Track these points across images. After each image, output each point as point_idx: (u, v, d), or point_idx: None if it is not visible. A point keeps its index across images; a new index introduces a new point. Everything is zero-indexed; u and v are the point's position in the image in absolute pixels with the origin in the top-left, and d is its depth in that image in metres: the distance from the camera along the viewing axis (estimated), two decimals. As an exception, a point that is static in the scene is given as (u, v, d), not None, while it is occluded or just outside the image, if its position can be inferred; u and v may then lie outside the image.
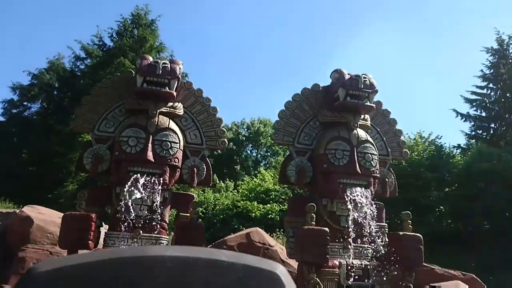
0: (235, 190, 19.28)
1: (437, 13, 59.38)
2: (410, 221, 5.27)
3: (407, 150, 6.33)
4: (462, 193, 15.85)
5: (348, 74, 5.73)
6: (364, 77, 5.63)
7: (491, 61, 25.53)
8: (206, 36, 58.84)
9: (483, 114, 24.52)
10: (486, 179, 15.41)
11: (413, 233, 5.19)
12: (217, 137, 5.76)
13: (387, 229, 5.64)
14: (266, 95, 59.10)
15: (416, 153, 17.41)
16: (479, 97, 24.90)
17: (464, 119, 24.72)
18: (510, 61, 25.17)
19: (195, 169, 5.47)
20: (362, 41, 58.96)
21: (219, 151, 29.85)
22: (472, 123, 24.53)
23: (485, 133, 24.04)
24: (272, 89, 58.38)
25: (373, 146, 5.65)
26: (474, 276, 5.82)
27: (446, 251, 13.61)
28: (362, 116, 5.79)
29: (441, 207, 16.42)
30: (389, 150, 6.07)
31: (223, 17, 61.08)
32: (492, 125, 23.97)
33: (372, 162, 5.49)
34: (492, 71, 25.17)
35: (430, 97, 56.91)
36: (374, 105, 5.70)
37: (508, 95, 23.94)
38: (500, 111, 23.78)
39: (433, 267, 5.89)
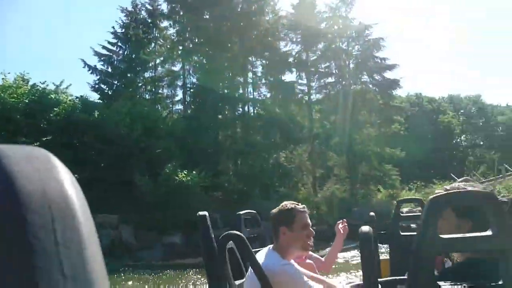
0: None
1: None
2: None
3: None
4: (60, 141, 15.75)
5: None
6: None
7: (124, 21, 26.91)
8: None
9: (109, 69, 25.61)
10: (83, 130, 15.91)
11: None
12: None
13: None
14: None
15: (15, 96, 15.86)
16: (108, 53, 25.79)
17: (91, 71, 25.05)
18: (140, 25, 27.33)
19: None
20: None
21: None
22: (98, 77, 25.21)
23: (108, 88, 25.20)
24: None
25: None
26: None
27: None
28: None
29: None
30: None
31: None
32: (116, 82, 25.40)
33: None
34: (123, 30, 26.56)
35: (70, 44, 55.24)
36: None
37: (133, 56, 25.90)
38: (124, 69, 25.45)
39: None
